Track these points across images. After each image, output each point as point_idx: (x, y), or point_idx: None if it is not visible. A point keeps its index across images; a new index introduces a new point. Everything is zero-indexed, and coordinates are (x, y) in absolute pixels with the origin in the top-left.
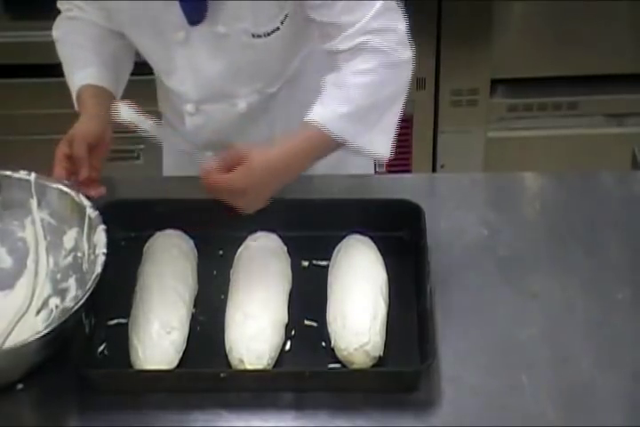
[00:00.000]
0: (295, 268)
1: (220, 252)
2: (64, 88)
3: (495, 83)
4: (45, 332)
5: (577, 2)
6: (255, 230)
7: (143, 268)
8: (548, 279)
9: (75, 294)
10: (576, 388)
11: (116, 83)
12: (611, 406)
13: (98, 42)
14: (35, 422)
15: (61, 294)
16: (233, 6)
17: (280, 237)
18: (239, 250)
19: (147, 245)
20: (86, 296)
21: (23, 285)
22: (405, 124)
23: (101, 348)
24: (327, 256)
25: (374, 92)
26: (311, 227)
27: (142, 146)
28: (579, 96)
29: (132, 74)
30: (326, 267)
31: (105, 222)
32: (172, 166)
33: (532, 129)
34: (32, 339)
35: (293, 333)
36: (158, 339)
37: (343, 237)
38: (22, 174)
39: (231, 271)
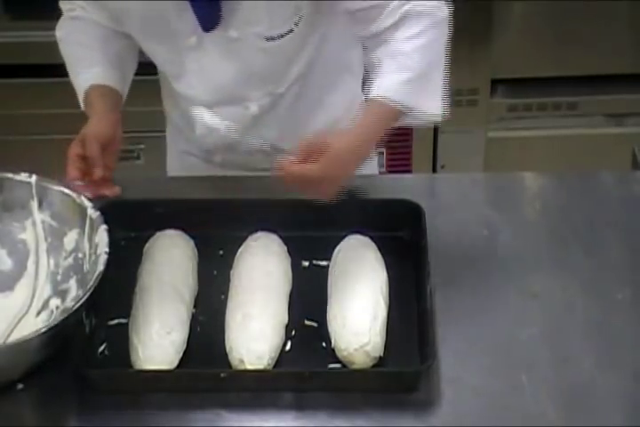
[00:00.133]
0: (295, 268)
1: (221, 252)
2: (64, 88)
3: (495, 83)
4: (46, 328)
5: (577, 2)
6: (255, 230)
7: (143, 268)
8: (549, 279)
9: (75, 295)
10: (576, 388)
11: (122, 82)
12: (611, 406)
13: (102, 42)
14: (35, 422)
15: (62, 294)
16: (247, 10)
17: (280, 237)
18: (239, 250)
19: (147, 245)
20: (88, 294)
21: (23, 286)
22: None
23: (102, 348)
24: (327, 256)
25: (428, 54)
26: (311, 227)
27: (143, 146)
28: (579, 96)
29: (136, 74)
30: (326, 267)
31: (105, 222)
32: (176, 166)
33: (533, 129)
34: (33, 335)
35: (293, 333)
36: (158, 339)
37: (343, 237)
38: (23, 176)
39: (231, 271)
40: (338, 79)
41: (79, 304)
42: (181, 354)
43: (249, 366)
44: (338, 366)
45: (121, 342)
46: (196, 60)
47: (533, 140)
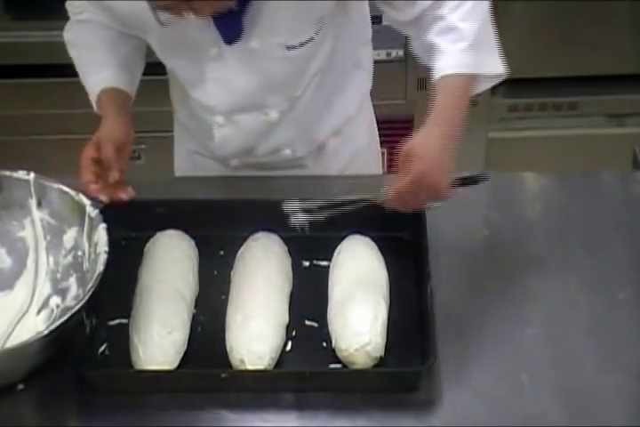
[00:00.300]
0: (296, 268)
1: (221, 252)
2: (64, 88)
3: None
4: (47, 331)
5: (578, 2)
6: (256, 231)
7: (144, 268)
8: (550, 279)
9: (75, 294)
10: (578, 388)
11: (131, 83)
12: (613, 406)
13: (111, 44)
14: (35, 422)
15: (62, 293)
16: (269, 21)
17: (281, 237)
18: (240, 250)
19: (147, 245)
20: (88, 295)
21: (23, 285)
22: (406, 125)
23: (102, 348)
24: (328, 256)
25: (475, 18)
26: (312, 227)
27: (143, 146)
28: (579, 96)
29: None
30: (327, 267)
31: (105, 222)
32: (184, 166)
33: (533, 129)
34: (33, 339)
35: (294, 333)
36: (159, 339)
37: (344, 237)
38: (21, 174)
39: (232, 272)
40: (349, 75)
41: (80, 304)
42: (182, 354)
43: (249, 367)
44: (338, 366)
45: (121, 342)
46: (216, 71)
47: (534, 140)
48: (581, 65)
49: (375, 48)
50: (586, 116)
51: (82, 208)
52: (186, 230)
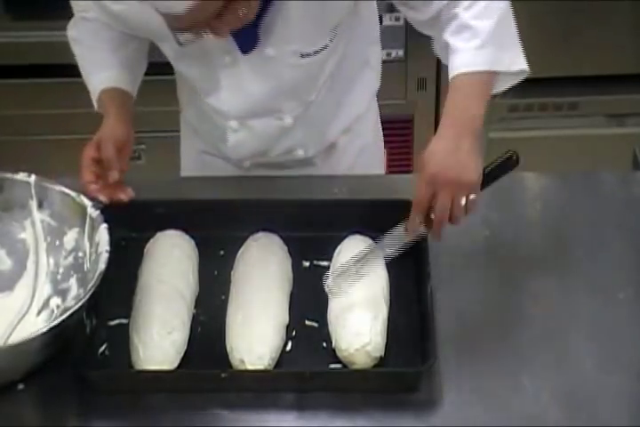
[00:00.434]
0: (296, 268)
1: (221, 252)
2: (64, 88)
3: None
4: (47, 328)
5: (578, 2)
6: (256, 231)
7: (144, 268)
8: (550, 279)
9: (76, 294)
10: (578, 388)
11: (133, 83)
12: (614, 406)
13: (115, 44)
14: (35, 422)
15: (62, 294)
16: (284, 30)
17: (281, 237)
18: (240, 250)
19: (147, 245)
20: (90, 293)
21: (23, 286)
22: (406, 125)
23: (102, 348)
24: (328, 257)
25: (491, 13)
26: (312, 227)
27: (143, 146)
28: (580, 96)
29: (151, 74)
30: (327, 267)
31: (106, 223)
32: (191, 166)
33: (533, 129)
34: (34, 336)
35: (294, 333)
36: (159, 339)
37: (344, 237)
38: (22, 176)
39: (232, 272)
40: (359, 75)
41: (81, 303)
42: (182, 354)
43: (249, 367)
44: (338, 366)
45: (121, 342)
46: (230, 77)
47: (534, 140)
48: (581, 65)
49: None
50: (586, 116)
51: (83, 209)
52: (186, 230)
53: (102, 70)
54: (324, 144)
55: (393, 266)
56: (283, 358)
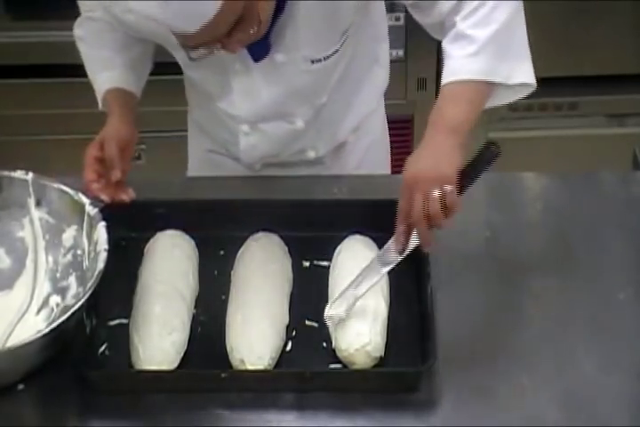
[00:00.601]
0: (296, 268)
1: (222, 252)
2: (64, 88)
3: None
4: (47, 330)
5: (578, 2)
6: (256, 231)
7: (144, 268)
8: (550, 279)
9: (75, 292)
10: (578, 388)
11: (137, 84)
12: (614, 406)
13: (121, 45)
14: (35, 422)
15: (61, 292)
16: (294, 36)
17: (281, 237)
18: (240, 250)
19: (147, 245)
20: (89, 292)
21: (22, 284)
22: (405, 125)
23: (102, 348)
24: (328, 257)
25: (489, 23)
26: (312, 227)
27: (144, 146)
28: (580, 96)
29: (152, 74)
30: (327, 267)
31: (106, 222)
32: (198, 166)
33: (534, 129)
34: (34, 338)
35: (294, 333)
36: (159, 339)
37: (344, 237)
38: (20, 174)
39: (232, 272)
40: (368, 73)
41: (81, 302)
42: (182, 354)
43: (250, 367)
44: (339, 366)
45: (121, 342)
46: (241, 83)
47: (534, 140)
48: (582, 65)
49: None
50: (586, 116)
51: (81, 207)
52: (186, 230)
53: (106, 70)
54: (334, 144)
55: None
56: (283, 358)
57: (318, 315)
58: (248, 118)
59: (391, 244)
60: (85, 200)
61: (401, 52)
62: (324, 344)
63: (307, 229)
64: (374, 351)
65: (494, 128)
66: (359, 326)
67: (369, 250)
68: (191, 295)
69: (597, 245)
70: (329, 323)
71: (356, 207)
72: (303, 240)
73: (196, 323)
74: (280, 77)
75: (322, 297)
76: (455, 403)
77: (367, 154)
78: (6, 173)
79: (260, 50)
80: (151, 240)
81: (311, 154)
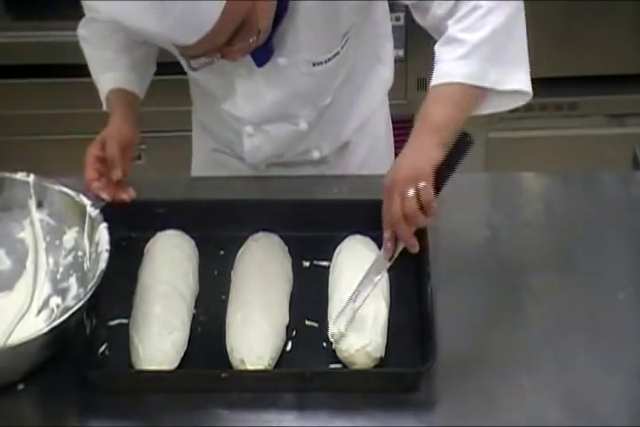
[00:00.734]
0: (296, 268)
1: (222, 252)
2: (64, 88)
3: None
4: (48, 329)
5: (579, 2)
6: (256, 231)
7: (144, 268)
8: (550, 279)
9: (76, 293)
10: (578, 388)
11: (140, 85)
12: (613, 406)
13: (125, 46)
14: (35, 422)
15: (62, 293)
16: (296, 39)
17: (281, 237)
18: (240, 250)
19: (147, 245)
20: (90, 292)
21: (22, 286)
22: (405, 125)
23: (102, 348)
24: (328, 257)
25: (481, 27)
26: (312, 227)
27: (144, 146)
28: (580, 96)
29: (156, 74)
30: (327, 267)
31: (106, 222)
32: (202, 165)
33: (534, 129)
34: (34, 336)
35: (294, 333)
36: (159, 339)
37: (344, 237)
38: (21, 176)
39: (232, 272)
40: (372, 73)
41: (81, 303)
42: (182, 354)
43: (250, 367)
44: (339, 366)
45: (121, 342)
46: (245, 85)
47: (535, 140)
48: (581, 65)
49: None
50: (586, 116)
51: (82, 209)
52: (186, 230)
53: (110, 71)
54: (338, 144)
55: (393, 266)
56: (283, 358)
57: (318, 315)
58: (252, 120)
59: (381, 253)
60: (86, 202)
61: (401, 52)
62: (324, 344)
63: (307, 229)
64: (375, 352)
65: (494, 128)
66: (359, 326)
67: (369, 250)
68: (191, 295)
69: (597, 244)
70: (332, 339)
71: (356, 207)
72: (303, 240)
73: (196, 323)
74: (283, 80)
75: (322, 297)
76: (455, 403)
77: (371, 153)
78: (8, 174)
79: (262, 55)
80: (151, 240)
81: (315, 154)
